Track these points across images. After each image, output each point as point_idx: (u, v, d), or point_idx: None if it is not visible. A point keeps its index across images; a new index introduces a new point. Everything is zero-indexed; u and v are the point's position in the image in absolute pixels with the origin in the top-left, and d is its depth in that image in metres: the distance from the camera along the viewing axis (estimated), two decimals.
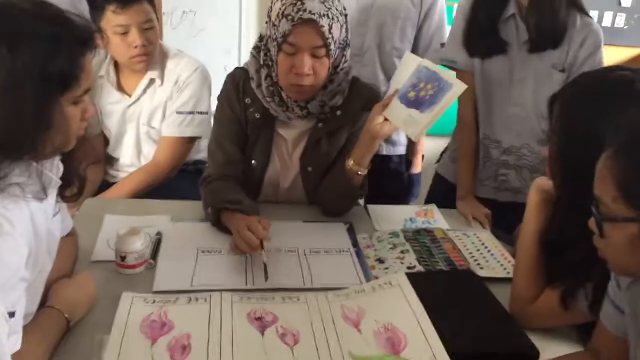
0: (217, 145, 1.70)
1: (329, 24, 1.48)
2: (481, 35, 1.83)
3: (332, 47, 1.51)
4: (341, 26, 1.54)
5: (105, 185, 2.07)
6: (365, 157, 1.59)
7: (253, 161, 1.69)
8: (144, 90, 2.03)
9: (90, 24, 1.07)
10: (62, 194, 1.18)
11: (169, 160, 2.04)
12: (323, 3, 1.49)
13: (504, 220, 1.74)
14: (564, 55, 1.76)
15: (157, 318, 1.20)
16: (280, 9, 1.50)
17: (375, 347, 1.16)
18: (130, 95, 2.04)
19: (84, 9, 1.93)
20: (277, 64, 1.55)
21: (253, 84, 1.64)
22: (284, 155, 1.71)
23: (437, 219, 1.78)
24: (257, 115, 1.65)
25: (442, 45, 2.20)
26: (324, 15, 1.47)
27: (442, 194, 2.00)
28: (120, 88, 2.05)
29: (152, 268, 1.40)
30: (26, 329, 1.01)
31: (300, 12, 1.46)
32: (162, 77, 2.03)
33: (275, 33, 1.52)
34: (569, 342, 1.24)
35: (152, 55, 1.97)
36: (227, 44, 3.11)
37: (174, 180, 2.07)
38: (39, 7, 0.99)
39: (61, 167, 1.12)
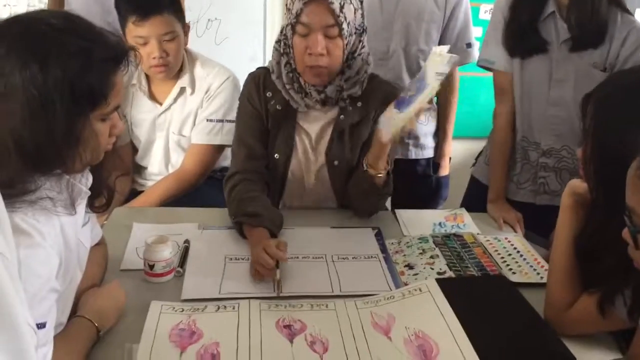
0: (239, 141, 1.71)
1: (340, 3, 1.50)
2: (521, 34, 1.80)
3: (344, 26, 1.52)
4: (355, 10, 1.55)
5: (134, 194, 2.09)
6: (378, 160, 1.58)
7: (276, 155, 1.70)
8: (175, 99, 2.05)
9: (123, 41, 1.06)
10: (90, 205, 1.19)
11: (198, 167, 2.04)
12: None
13: (541, 223, 1.70)
14: (605, 54, 1.72)
15: (185, 327, 1.19)
16: None
17: (406, 356, 1.13)
18: (161, 104, 2.06)
19: (114, 20, 1.96)
20: (293, 49, 1.58)
21: (274, 76, 1.66)
22: (307, 148, 1.71)
23: (467, 223, 1.75)
24: (278, 107, 1.66)
25: (468, 45, 2.18)
26: None
27: (478, 197, 1.97)
28: (152, 97, 2.07)
29: (181, 276, 1.40)
30: (57, 338, 1.02)
31: None
32: (192, 86, 2.04)
33: (289, 17, 1.55)
34: (607, 350, 1.20)
35: (172, 66, 1.97)
36: (251, 52, 3.13)
37: (201, 187, 2.08)
38: (69, 22, 0.99)
39: (90, 178, 1.13)
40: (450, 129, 2.34)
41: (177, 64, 1.99)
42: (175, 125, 2.07)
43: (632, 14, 1.76)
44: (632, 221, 0.91)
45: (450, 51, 2.15)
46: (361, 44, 1.61)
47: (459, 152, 3.14)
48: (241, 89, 2.07)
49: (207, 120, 2.04)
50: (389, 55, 2.13)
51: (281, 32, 1.64)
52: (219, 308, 1.26)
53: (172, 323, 1.20)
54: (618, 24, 1.71)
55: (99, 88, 0.98)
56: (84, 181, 1.10)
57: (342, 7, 1.50)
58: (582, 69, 1.74)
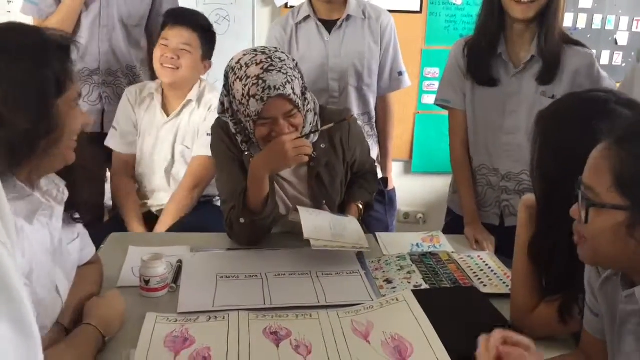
0: (235, 183, 1.75)
1: (292, 88, 1.59)
2: (480, 70, 1.98)
3: (299, 103, 1.63)
4: (299, 79, 1.66)
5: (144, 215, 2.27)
6: None
7: None
8: (181, 110, 2.27)
9: (65, 34, 1.19)
10: (73, 218, 1.28)
11: (196, 177, 2.24)
12: (280, 71, 1.58)
13: (512, 245, 1.81)
14: (556, 85, 1.90)
15: (179, 334, 1.29)
16: (243, 89, 1.58)
17: (383, 356, 1.23)
18: (169, 115, 2.28)
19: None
20: (255, 135, 1.67)
21: (239, 139, 1.75)
22: (288, 193, 1.84)
23: (442, 243, 1.86)
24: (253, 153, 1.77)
25: (400, 73, 2.49)
26: (286, 83, 1.58)
27: (454, 226, 2.10)
28: (163, 107, 2.30)
29: (174, 292, 1.49)
30: (67, 343, 1.11)
31: (267, 91, 1.55)
32: (199, 101, 2.28)
33: (246, 111, 1.61)
34: (566, 348, 1.30)
35: (181, 74, 2.21)
36: None
37: (190, 215, 2.22)
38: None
39: (66, 193, 1.19)
40: (391, 147, 2.61)
41: (185, 77, 2.23)
42: (181, 134, 2.28)
43: (584, 46, 1.96)
44: (586, 197, 0.99)
45: (386, 80, 2.46)
46: (306, 101, 1.72)
47: (439, 186, 3.27)
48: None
49: (208, 134, 2.16)
50: (339, 92, 2.39)
51: (223, 108, 1.73)
52: (210, 318, 1.36)
53: (167, 331, 1.30)
54: (568, 57, 1.90)
55: (61, 76, 1.09)
56: (56, 193, 1.16)
57: (294, 91, 1.60)
58: (532, 99, 1.93)
